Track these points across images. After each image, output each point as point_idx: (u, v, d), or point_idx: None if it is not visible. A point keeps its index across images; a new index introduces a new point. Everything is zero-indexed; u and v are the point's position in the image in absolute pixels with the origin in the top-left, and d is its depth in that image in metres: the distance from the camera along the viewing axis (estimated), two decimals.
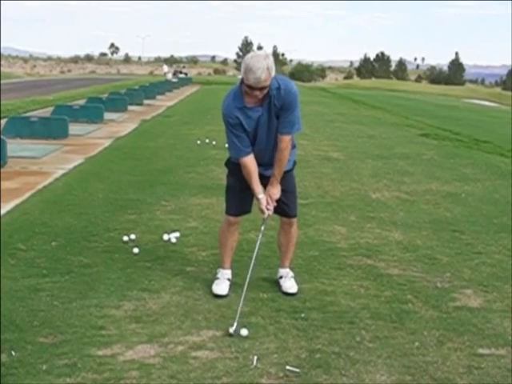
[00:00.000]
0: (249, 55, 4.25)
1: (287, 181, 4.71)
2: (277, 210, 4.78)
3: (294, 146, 4.71)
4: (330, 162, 11.24)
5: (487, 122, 26.67)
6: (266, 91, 4.25)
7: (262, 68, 4.11)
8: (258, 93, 4.23)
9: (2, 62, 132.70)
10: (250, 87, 4.20)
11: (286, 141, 4.45)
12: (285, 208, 4.75)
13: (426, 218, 7.20)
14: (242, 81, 4.29)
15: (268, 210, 4.54)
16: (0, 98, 21.36)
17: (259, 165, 4.52)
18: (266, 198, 4.52)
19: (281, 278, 4.88)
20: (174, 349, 3.78)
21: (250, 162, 4.45)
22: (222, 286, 4.69)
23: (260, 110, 4.35)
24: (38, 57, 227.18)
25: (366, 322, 4.25)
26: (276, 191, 4.54)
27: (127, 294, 4.60)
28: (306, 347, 3.86)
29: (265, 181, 4.58)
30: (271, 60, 4.21)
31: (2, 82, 46.71)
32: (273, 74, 4.20)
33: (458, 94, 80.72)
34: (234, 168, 4.61)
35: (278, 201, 4.67)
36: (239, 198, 4.69)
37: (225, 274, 4.81)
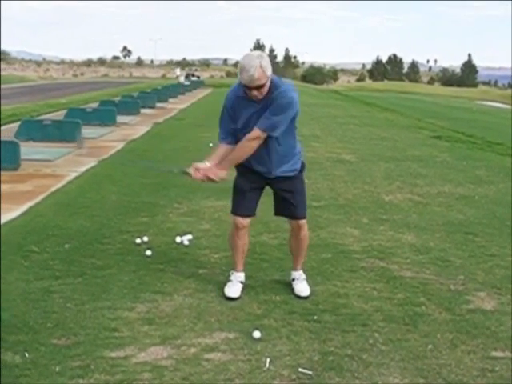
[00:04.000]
0: (243, 56, 4.28)
1: (295, 184, 4.69)
2: (285, 212, 4.79)
3: (297, 152, 4.68)
4: (342, 164, 11.22)
5: (500, 123, 26.55)
6: (264, 91, 4.27)
7: (255, 66, 4.14)
8: (255, 93, 4.25)
9: (16, 66, 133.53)
10: (247, 87, 4.24)
11: (255, 134, 4.34)
12: (292, 209, 4.73)
13: (439, 221, 7.17)
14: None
15: (196, 175, 4.54)
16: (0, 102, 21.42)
17: (258, 163, 4.55)
18: (206, 168, 4.51)
19: (293, 280, 4.87)
20: (187, 351, 3.79)
21: (222, 148, 4.56)
22: (234, 289, 4.69)
23: (256, 107, 4.34)
24: (51, 60, 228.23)
25: (379, 325, 4.24)
26: (218, 173, 4.47)
27: (140, 296, 4.61)
28: (318, 349, 3.85)
29: (262, 180, 4.65)
30: (265, 59, 4.23)
31: (16, 85, 47.06)
32: (268, 73, 4.21)
33: (471, 95, 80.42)
34: (243, 168, 4.62)
35: (285, 202, 4.70)
36: (247, 198, 4.68)
37: (237, 277, 4.80)
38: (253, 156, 4.46)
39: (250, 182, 4.64)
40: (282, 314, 4.38)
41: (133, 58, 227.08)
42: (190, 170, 4.54)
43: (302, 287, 4.79)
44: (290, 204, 4.71)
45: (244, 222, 4.71)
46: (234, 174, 4.73)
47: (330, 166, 11.00)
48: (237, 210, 4.71)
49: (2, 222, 6.46)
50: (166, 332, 4.03)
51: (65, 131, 13.46)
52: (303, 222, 4.80)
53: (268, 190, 4.77)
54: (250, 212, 4.73)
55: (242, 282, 4.78)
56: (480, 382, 3.55)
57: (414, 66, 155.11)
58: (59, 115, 17.76)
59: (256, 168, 4.59)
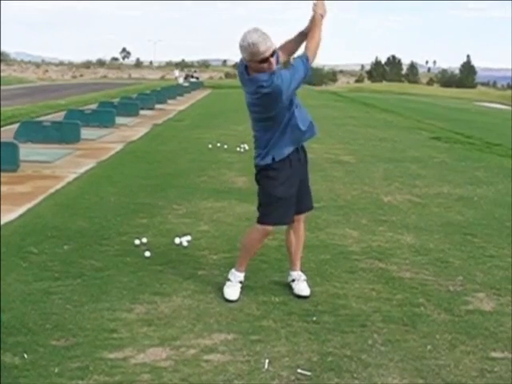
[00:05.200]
0: (242, 38, 4.24)
1: (306, 168, 4.80)
2: (304, 206, 4.84)
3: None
4: (341, 166, 11.22)
5: (499, 124, 26.52)
6: (276, 57, 4.31)
7: (262, 36, 4.18)
8: (272, 60, 4.26)
9: (15, 67, 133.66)
10: (263, 60, 4.22)
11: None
12: (309, 200, 4.84)
13: (438, 221, 7.17)
14: (246, 68, 4.36)
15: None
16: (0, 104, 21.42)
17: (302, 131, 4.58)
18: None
19: (293, 281, 4.87)
20: (186, 352, 3.79)
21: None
22: (233, 290, 4.67)
23: (279, 66, 4.39)
24: (50, 62, 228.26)
25: (378, 326, 4.24)
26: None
27: (139, 297, 4.61)
28: (317, 350, 3.85)
29: (299, 174, 4.66)
30: (260, 29, 4.28)
31: (15, 86, 47.09)
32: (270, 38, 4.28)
33: (470, 96, 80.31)
34: (279, 169, 4.52)
35: (305, 194, 4.78)
36: (292, 205, 4.67)
37: (237, 277, 4.77)
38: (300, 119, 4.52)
39: (292, 186, 4.60)
40: (281, 315, 4.38)
41: (132, 59, 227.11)
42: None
43: (303, 286, 4.79)
44: (307, 194, 4.81)
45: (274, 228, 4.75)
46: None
47: (329, 167, 11.00)
48: (281, 221, 4.68)
49: (1, 223, 6.46)
50: (165, 333, 4.03)
51: (64, 132, 13.48)
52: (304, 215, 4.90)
53: None
54: (292, 219, 4.74)
55: (241, 282, 4.77)
56: (479, 382, 3.55)
57: (412, 67, 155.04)
58: (58, 116, 17.76)
59: (301, 131, 4.58)
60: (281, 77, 4.25)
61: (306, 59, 4.40)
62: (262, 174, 4.59)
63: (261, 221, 4.65)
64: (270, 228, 4.67)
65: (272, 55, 4.23)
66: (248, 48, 4.19)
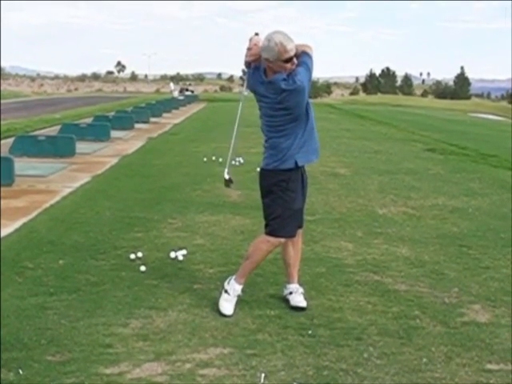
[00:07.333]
0: (267, 39, 4.32)
1: (307, 183, 4.80)
2: (301, 221, 4.84)
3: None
4: (336, 178, 11.23)
5: (493, 135, 26.63)
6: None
7: (286, 36, 4.30)
8: (295, 59, 4.35)
9: (10, 81, 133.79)
10: (288, 59, 4.29)
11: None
12: (303, 213, 4.81)
13: (433, 233, 7.18)
14: (264, 71, 4.42)
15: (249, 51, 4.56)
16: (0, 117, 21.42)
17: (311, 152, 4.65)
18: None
19: (290, 293, 4.85)
20: (182, 367, 3.77)
21: None
22: (230, 304, 4.63)
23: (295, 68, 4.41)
24: (46, 75, 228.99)
25: (374, 339, 4.23)
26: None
27: (134, 311, 4.60)
28: (313, 364, 3.84)
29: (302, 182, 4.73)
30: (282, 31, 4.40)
31: (10, 100, 47.08)
32: None
33: (464, 108, 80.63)
34: (296, 181, 4.60)
35: (302, 209, 4.77)
36: (301, 217, 4.76)
37: (236, 291, 4.69)
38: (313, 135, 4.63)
39: (304, 197, 4.74)
40: (276, 328, 4.37)
41: (127, 72, 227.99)
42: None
43: (300, 298, 4.79)
44: (302, 210, 4.78)
45: None
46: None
47: (324, 179, 11.01)
48: (293, 233, 4.70)
49: None
50: (161, 348, 4.02)
51: (59, 146, 13.49)
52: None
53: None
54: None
55: (238, 296, 4.72)
56: None
57: (407, 78, 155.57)
58: (53, 131, 17.78)
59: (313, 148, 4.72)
60: (298, 72, 4.33)
61: (306, 53, 4.46)
62: (282, 185, 4.54)
63: (275, 234, 4.59)
64: (283, 240, 4.67)
65: (295, 55, 4.32)
66: (275, 47, 4.26)
